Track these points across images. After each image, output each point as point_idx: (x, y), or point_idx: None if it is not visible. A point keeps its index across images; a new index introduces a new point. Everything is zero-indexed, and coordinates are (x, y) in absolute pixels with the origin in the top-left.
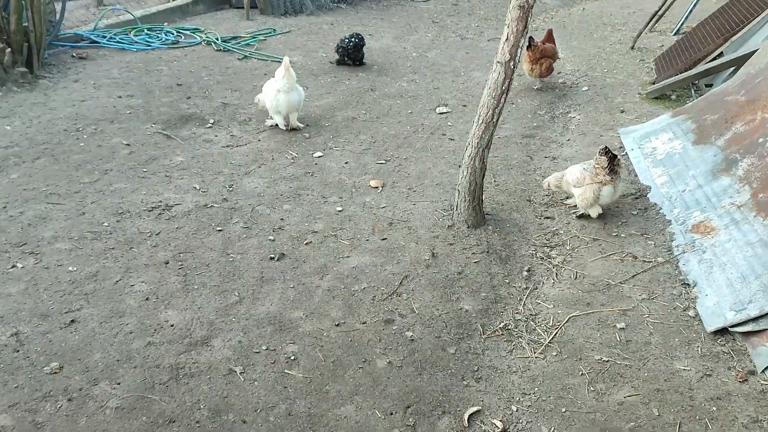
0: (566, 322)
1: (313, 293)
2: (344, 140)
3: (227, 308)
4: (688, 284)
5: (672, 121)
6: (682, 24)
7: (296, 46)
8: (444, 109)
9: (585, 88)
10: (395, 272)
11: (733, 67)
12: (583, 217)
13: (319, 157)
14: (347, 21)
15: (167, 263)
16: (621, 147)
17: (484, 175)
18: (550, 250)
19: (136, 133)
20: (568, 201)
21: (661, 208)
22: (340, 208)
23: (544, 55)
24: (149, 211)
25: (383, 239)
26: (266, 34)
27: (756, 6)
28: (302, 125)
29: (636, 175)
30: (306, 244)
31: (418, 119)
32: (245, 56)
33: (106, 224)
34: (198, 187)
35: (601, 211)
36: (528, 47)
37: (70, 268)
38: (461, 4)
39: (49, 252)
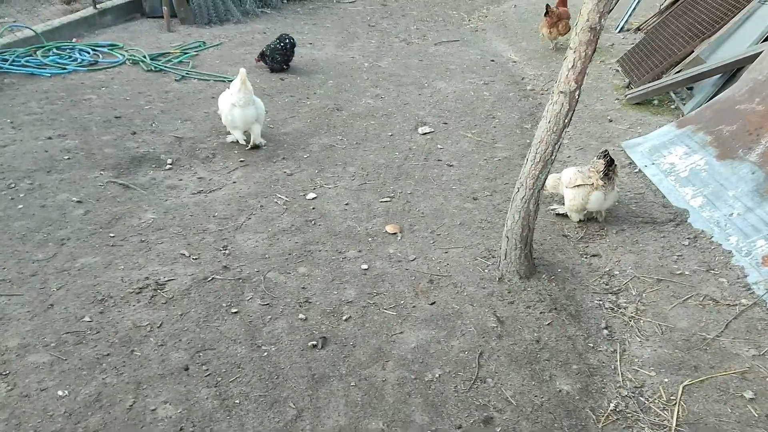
0: (682, 394)
1: (383, 391)
2: (333, 175)
3: (288, 428)
4: None
5: (680, 132)
6: (626, 21)
7: (235, 60)
8: (426, 129)
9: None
10: (465, 348)
11: (720, 74)
12: (561, 215)
13: (313, 199)
14: (279, 28)
15: (187, 369)
16: (631, 163)
17: (536, 218)
18: (617, 298)
19: (84, 185)
20: (558, 209)
21: (712, 237)
22: (365, 266)
23: (560, 18)
24: (137, 293)
25: (432, 303)
26: (196, 47)
27: (728, 4)
28: (264, 142)
29: (664, 197)
30: (345, 320)
31: (402, 143)
32: (182, 76)
33: (87, 319)
34: (186, 254)
35: (582, 218)
36: (546, 14)
37: (60, 393)
38: (390, 4)
39: (22, 371)
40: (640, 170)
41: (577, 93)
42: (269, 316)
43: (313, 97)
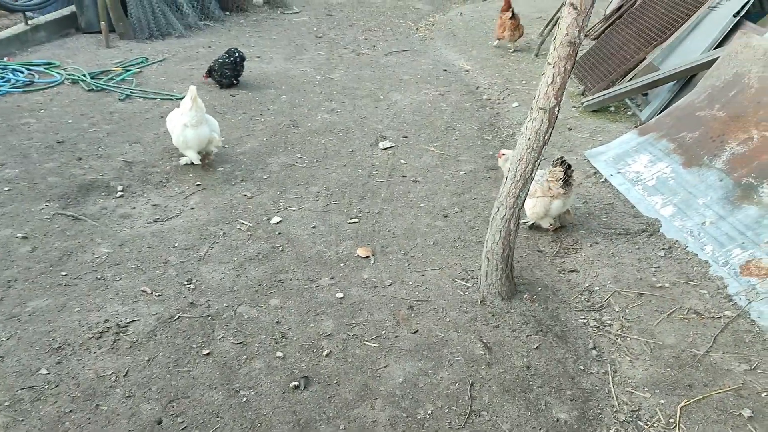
0: (680, 416)
1: None
2: (296, 196)
3: None
4: None
5: (643, 140)
6: None
7: (181, 77)
8: (387, 144)
9: (516, 104)
10: (455, 380)
11: (674, 81)
12: (535, 227)
13: (278, 223)
14: (224, 41)
15: (160, 423)
16: (596, 172)
17: (516, 237)
18: (600, 315)
19: (29, 219)
20: (528, 220)
21: (687, 247)
22: (340, 294)
23: (519, 22)
24: (97, 338)
25: (414, 332)
26: (139, 64)
27: (677, 11)
28: (216, 150)
29: (633, 206)
30: (326, 356)
31: (364, 159)
32: (127, 95)
33: (43, 371)
34: (148, 290)
35: (552, 222)
36: (511, 17)
37: None
38: (335, 14)
39: None
40: (606, 179)
41: (556, 109)
42: (244, 356)
43: (267, 114)
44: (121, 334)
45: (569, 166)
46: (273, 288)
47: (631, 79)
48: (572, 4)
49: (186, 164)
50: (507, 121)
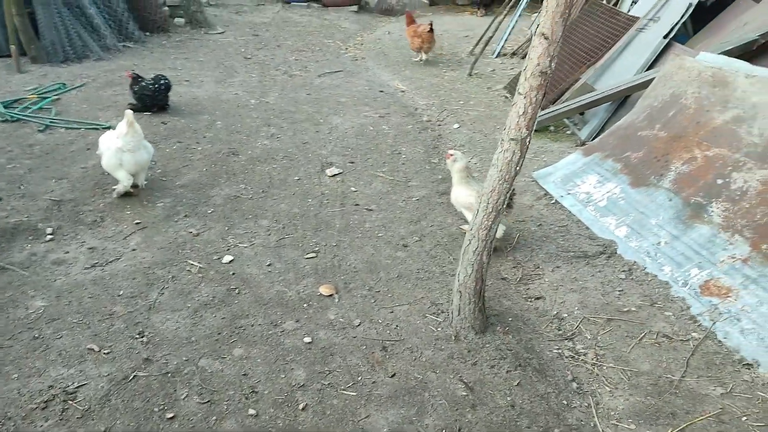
0: None
1: None
2: (245, 231)
3: None
4: (750, 364)
5: (588, 160)
6: (502, 47)
7: (105, 103)
8: (335, 171)
9: (456, 126)
10: (441, 425)
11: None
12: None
13: (230, 262)
14: (148, 64)
15: None
16: (546, 194)
17: (488, 269)
18: (573, 344)
19: None
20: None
21: (645, 268)
22: (308, 339)
23: (415, 33)
24: (42, 408)
25: (392, 376)
26: (56, 90)
27: (606, 32)
28: (146, 182)
29: (587, 228)
30: (302, 409)
31: (312, 187)
32: (46, 126)
33: None
34: (96, 348)
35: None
36: (429, 30)
37: None
38: (261, 34)
39: None
40: (556, 201)
41: (528, 139)
42: (214, 417)
43: (204, 142)
44: (69, 402)
45: (513, 191)
46: (234, 336)
47: (567, 100)
48: (543, 35)
49: (120, 195)
50: (450, 143)
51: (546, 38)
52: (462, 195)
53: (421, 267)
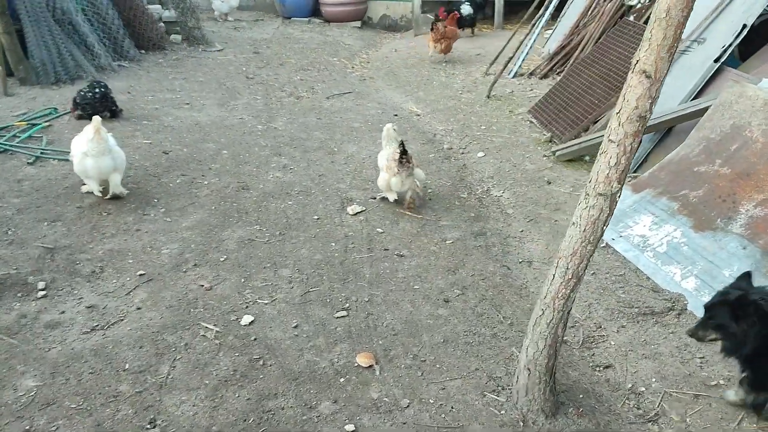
0: None
1: None
2: (265, 283)
3: None
4: None
5: (639, 197)
6: (519, 66)
7: None
8: (357, 208)
9: (481, 154)
10: None
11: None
12: (385, 200)
13: (250, 324)
14: (144, 85)
15: None
16: None
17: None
18: (658, 427)
19: None
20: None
21: None
22: (351, 428)
23: (444, 36)
24: None
25: None
26: (47, 116)
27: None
28: (126, 191)
29: (648, 278)
30: None
31: (333, 228)
32: (36, 157)
33: None
34: None
35: (396, 197)
36: (431, 29)
37: None
38: (262, 51)
39: None
40: (607, 244)
41: (618, 195)
42: None
43: (210, 174)
44: None
45: (405, 151)
46: (263, 423)
47: (602, 125)
48: (644, 72)
49: (87, 192)
50: (477, 174)
51: (648, 76)
52: None
53: (468, 329)
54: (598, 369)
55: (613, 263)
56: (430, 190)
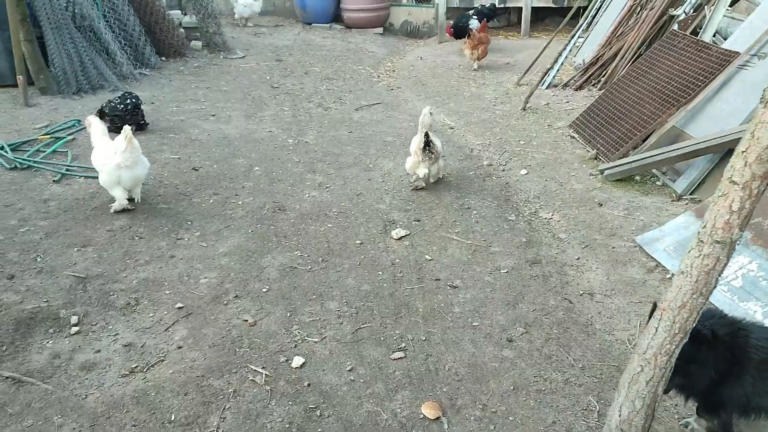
0: None
1: None
2: (312, 318)
3: None
4: None
5: None
6: (553, 77)
7: None
8: (401, 232)
9: (524, 172)
10: None
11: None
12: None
13: (302, 366)
14: (168, 95)
15: None
16: (658, 265)
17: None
18: None
19: None
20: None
21: None
22: None
23: (480, 42)
24: None
25: None
26: (71, 128)
27: (697, 67)
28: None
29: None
30: None
31: (378, 254)
32: (62, 174)
33: None
34: None
35: (426, 171)
36: (467, 36)
37: None
38: (285, 59)
39: None
40: (673, 275)
41: (738, 242)
42: None
43: (244, 194)
44: None
45: (429, 140)
46: None
47: (652, 146)
48: None
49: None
50: (522, 194)
51: None
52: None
53: (537, 373)
54: (681, 421)
55: None
56: (474, 212)
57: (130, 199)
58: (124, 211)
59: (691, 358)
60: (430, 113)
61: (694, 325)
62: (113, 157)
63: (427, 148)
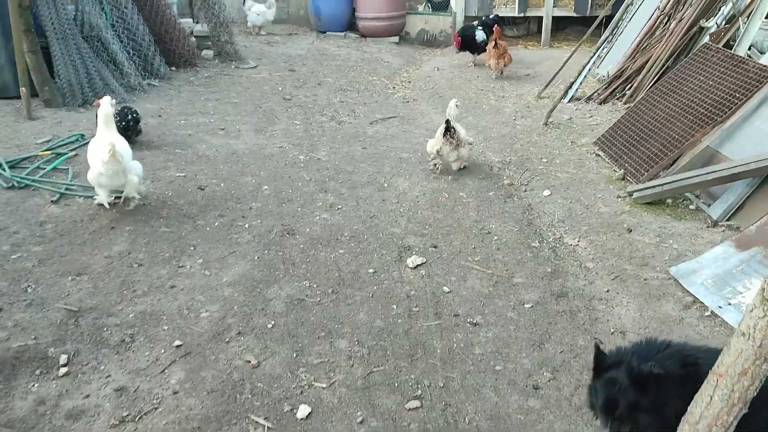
0: None
1: None
2: (320, 360)
3: None
4: None
5: (746, 256)
6: (576, 90)
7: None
8: (417, 260)
9: (547, 193)
10: None
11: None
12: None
13: (308, 416)
14: (176, 107)
15: None
16: (695, 300)
17: None
18: None
19: None
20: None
21: None
22: None
23: (505, 50)
24: None
25: None
26: (74, 143)
27: (733, 83)
28: (139, 197)
29: None
30: None
31: (393, 285)
32: (61, 194)
33: None
34: None
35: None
36: (494, 46)
37: None
38: (298, 69)
39: None
40: (713, 312)
41: None
42: None
43: (251, 215)
44: None
45: (449, 126)
46: None
47: (684, 167)
48: None
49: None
50: (546, 218)
51: None
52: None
53: (567, 428)
54: None
55: (723, 339)
56: (495, 237)
57: (126, 199)
58: (119, 223)
59: (636, 404)
60: (456, 105)
61: (653, 369)
62: (97, 163)
63: (448, 133)
